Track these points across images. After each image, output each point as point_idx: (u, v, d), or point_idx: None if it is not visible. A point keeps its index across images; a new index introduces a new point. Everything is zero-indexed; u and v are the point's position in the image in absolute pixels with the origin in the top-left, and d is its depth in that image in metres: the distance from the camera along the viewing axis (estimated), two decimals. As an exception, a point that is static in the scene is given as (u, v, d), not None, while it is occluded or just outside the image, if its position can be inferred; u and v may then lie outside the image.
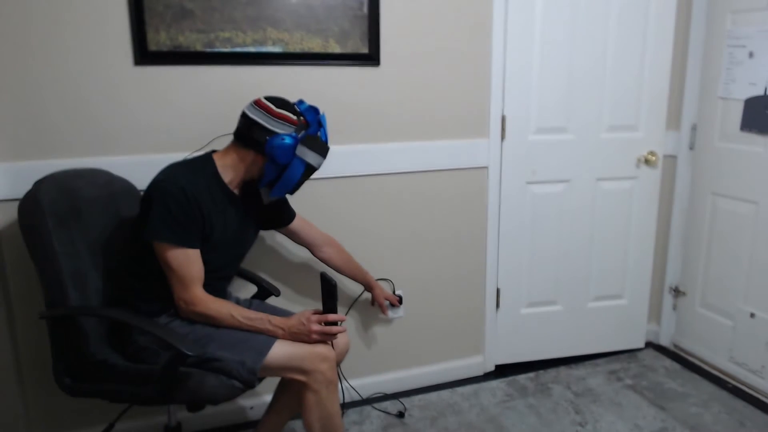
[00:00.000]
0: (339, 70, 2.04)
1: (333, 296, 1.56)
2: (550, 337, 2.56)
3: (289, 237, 1.91)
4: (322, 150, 1.61)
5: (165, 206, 1.46)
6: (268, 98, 1.58)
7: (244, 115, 1.58)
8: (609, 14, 2.30)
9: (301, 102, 1.63)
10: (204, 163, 1.58)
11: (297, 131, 1.56)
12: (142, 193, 1.57)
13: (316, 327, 1.54)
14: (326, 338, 1.56)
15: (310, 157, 1.58)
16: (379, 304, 2.10)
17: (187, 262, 1.50)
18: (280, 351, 1.52)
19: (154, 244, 1.50)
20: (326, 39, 2.00)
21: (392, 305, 2.23)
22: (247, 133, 1.56)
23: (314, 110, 1.62)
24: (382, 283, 2.24)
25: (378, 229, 2.22)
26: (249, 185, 1.68)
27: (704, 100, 2.45)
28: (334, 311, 1.57)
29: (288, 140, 1.53)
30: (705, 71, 2.43)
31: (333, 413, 1.58)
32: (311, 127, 1.59)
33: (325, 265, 1.97)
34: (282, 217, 1.84)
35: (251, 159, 1.58)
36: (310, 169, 1.60)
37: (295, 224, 1.87)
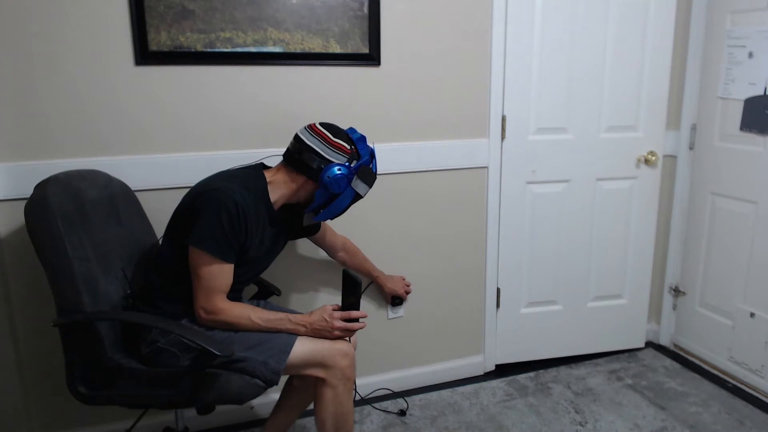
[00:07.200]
0: (339, 70, 2.05)
1: (357, 293, 1.57)
2: (550, 337, 2.57)
3: (313, 242, 1.96)
4: (371, 180, 1.64)
5: (216, 216, 1.45)
6: (323, 125, 1.60)
7: (298, 139, 1.59)
8: (609, 14, 2.30)
9: (353, 130, 1.64)
10: (256, 179, 1.58)
11: (349, 160, 1.58)
12: (187, 196, 1.56)
13: (339, 323, 1.56)
14: (348, 334, 1.59)
15: (361, 187, 1.62)
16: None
17: (220, 275, 1.50)
18: (302, 348, 1.54)
19: (192, 250, 1.48)
20: (327, 39, 2.00)
21: (393, 305, 2.25)
22: (299, 158, 1.57)
23: (364, 139, 1.64)
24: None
25: (378, 229, 2.23)
26: (289, 206, 1.69)
27: (704, 100, 2.46)
28: (357, 308, 1.59)
29: (345, 171, 1.56)
30: (704, 71, 2.44)
31: (347, 411, 1.60)
32: (364, 158, 1.61)
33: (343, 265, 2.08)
34: (315, 228, 1.89)
35: (301, 183, 1.60)
36: (357, 198, 1.63)
37: (321, 231, 1.93)
